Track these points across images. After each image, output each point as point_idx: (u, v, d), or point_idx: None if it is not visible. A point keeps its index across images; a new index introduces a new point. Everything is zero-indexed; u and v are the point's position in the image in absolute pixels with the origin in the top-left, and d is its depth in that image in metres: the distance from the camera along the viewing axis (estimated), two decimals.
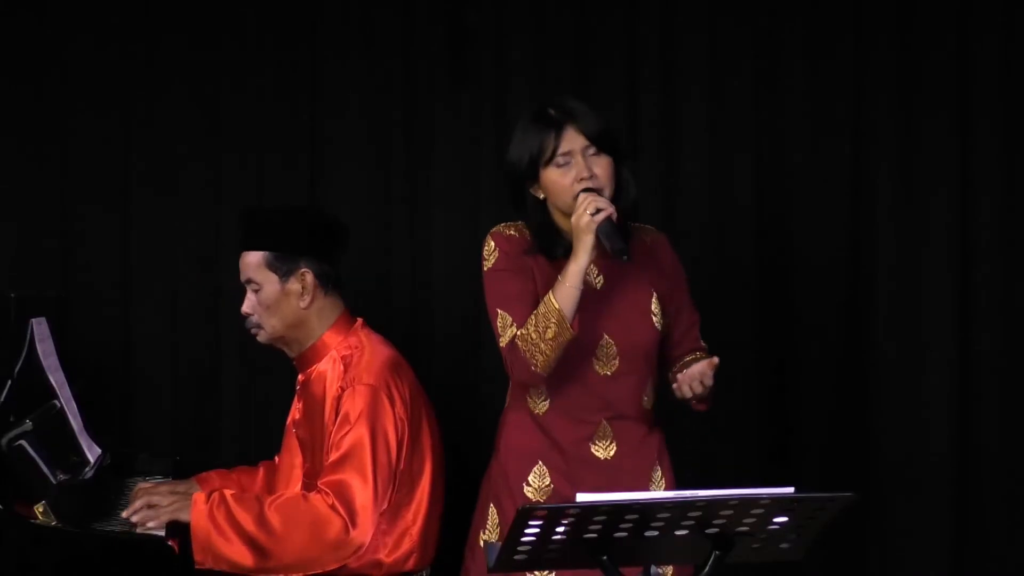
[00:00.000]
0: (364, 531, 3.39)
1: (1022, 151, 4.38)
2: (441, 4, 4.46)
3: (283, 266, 3.54)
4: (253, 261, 3.56)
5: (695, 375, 3.21)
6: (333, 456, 3.43)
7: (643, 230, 3.49)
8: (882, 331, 4.40)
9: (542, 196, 3.32)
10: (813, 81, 4.42)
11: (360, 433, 3.42)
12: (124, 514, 3.49)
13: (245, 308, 3.60)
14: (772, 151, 4.44)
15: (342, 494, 3.38)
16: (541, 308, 3.20)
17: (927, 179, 4.39)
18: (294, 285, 3.54)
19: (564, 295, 3.18)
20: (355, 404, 3.44)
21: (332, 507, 3.38)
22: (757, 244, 4.44)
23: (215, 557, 3.38)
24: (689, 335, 3.45)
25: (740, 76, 4.43)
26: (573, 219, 3.21)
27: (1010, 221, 4.38)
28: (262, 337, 3.62)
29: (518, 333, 3.24)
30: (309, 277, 3.54)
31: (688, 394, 3.23)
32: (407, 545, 3.52)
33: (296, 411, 3.68)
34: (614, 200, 3.30)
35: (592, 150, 3.28)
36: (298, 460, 3.64)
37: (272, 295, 3.55)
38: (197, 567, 3.39)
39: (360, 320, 3.65)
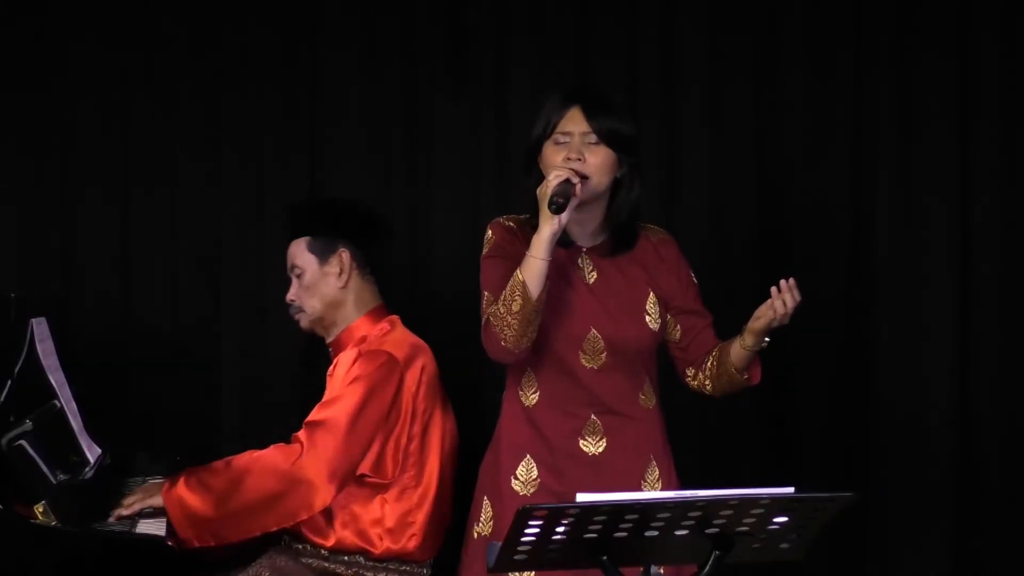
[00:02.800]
0: (317, 468, 3.50)
1: (1022, 150, 4.38)
2: (441, 4, 4.47)
3: (321, 248, 3.74)
4: (296, 248, 3.79)
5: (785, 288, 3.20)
6: (323, 399, 3.62)
7: (650, 230, 3.47)
8: (882, 331, 4.41)
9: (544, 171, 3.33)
10: (813, 81, 4.43)
11: (357, 387, 3.57)
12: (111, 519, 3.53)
13: (289, 296, 3.80)
14: (772, 151, 4.44)
15: (310, 429, 3.55)
16: (510, 282, 3.20)
17: (927, 178, 4.40)
18: (332, 266, 3.74)
19: (528, 266, 3.18)
20: (366, 365, 3.60)
21: (295, 438, 3.55)
22: (757, 244, 4.44)
23: (195, 525, 3.47)
24: (704, 335, 3.42)
25: (740, 76, 4.44)
26: (538, 190, 3.21)
27: (1010, 221, 4.38)
28: (304, 321, 3.79)
29: (491, 310, 3.25)
30: (346, 256, 3.73)
31: (781, 310, 3.19)
32: (410, 529, 3.60)
33: (324, 396, 3.75)
34: (612, 199, 3.31)
35: (592, 138, 3.28)
36: None
37: (312, 276, 3.75)
38: (185, 546, 3.45)
39: (396, 316, 3.79)
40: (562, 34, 4.45)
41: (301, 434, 3.55)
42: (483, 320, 3.30)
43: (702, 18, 4.43)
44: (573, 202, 3.18)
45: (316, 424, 3.55)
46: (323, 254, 3.74)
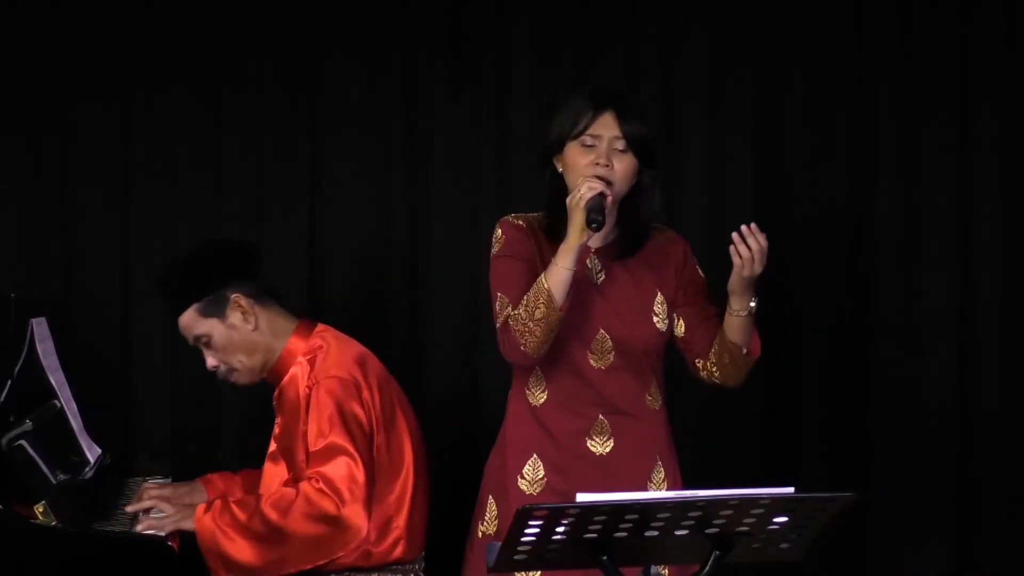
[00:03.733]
0: (357, 510, 3.41)
1: (1022, 150, 4.38)
2: (441, 3, 4.46)
3: (214, 307, 3.56)
4: (189, 320, 3.58)
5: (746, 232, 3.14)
6: (316, 447, 3.45)
7: (657, 230, 3.45)
8: (882, 332, 4.41)
9: (560, 171, 3.31)
10: (813, 81, 4.43)
11: (336, 425, 3.43)
12: (128, 508, 3.50)
13: (210, 365, 3.61)
14: (772, 151, 4.44)
15: (329, 479, 3.41)
16: (533, 288, 3.18)
17: (927, 178, 4.40)
18: (234, 316, 3.56)
19: (554, 275, 3.16)
20: (325, 398, 3.46)
21: (321, 491, 3.40)
22: None
23: (226, 563, 3.40)
24: (707, 325, 3.37)
25: (740, 76, 4.43)
26: (568, 199, 3.19)
27: (1010, 220, 4.38)
28: (242, 380, 3.64)
29: (511, 313, 3.23)
30: (242, 300, 3.56)
31: (746, 254, 3.13)
32: (394, 534, 3.53)
33: (276, 426, 3.66)
34: (628, 207, 3.29)
35: (621, 144, 3.25)
36: (280, 470, 3.61)
37: (223, 337, 3.57)
38: None
39: (322, 324, 3.65)
40: (562, 34, 4.45)
41: (326, 489, 3.39)
42: (499, 322, 3.28)
43: (702, 18, 4.43)
44: (606, 217, 3.18)
45: (333, 482, 3.41)
46: (219, 311, 3.55)
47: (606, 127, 3.26)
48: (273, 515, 3.40)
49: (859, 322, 4.42)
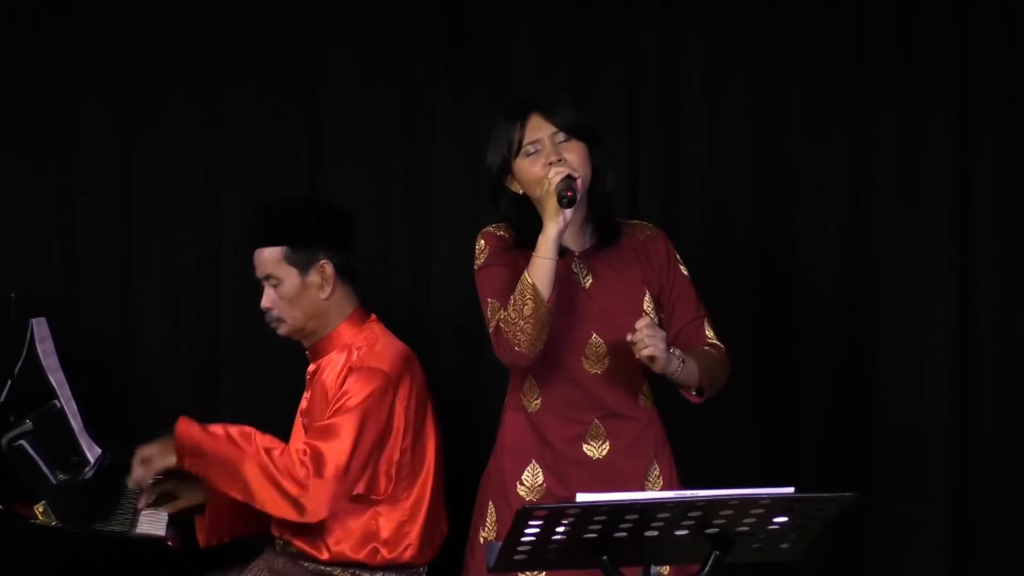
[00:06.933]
0: (319, 498, 3.43)
1: (1022, 148, 4.38)
2: (441, 3, 4.47)
3: (302, 259, 3.59)
4: (271, 257, 3.60)
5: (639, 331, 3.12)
6: (323, 422, 3.50)
7: (638, 227, 3.45)
8: (882, 332, 4.40)
9: (520, 191, 3.31)
10: (813, 80, 4.42)
11: (354, 411, 3.47)
12: (131, 483, 3.53)
13: (265, 303, 3.64)
14: (772, 151, 4.44)
15: (315, 457, 3.44)
16: (518, 286, 3.17)
17: (927, 177, 4.39)
18: (314, 277, 3.60)
19: (536, 268, 3.15)
20: (360, 385, 3.50)
21: (302, 462, 3.43)
22: (757, 244, 4.44)
23: (202, 460, 3.44)
24: (691, 329, 3.37)
25: (740, 76, 4.43)
26: (538, 191, 3.19)
27: (1010, 222, 4.38)
28: (283, 330, 3.67)
29: (501, 315, 3.23)
30: (329, 268, 3.60)
31: (642, 349, 3.10)
32: (407, 539, 3.56)
33: (304, 400, 3.71)
34: (592, 188, 3.28)
35: (561, 136, 3.26)
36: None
37: (293, 289, 3.60)
38: (187, 469, 3.44)
39: (374, 316, 3.70)
40: (562, 34, 4.45)
41: (308, 460, 3.44)
42: (491, 328, 3.27)
43: (701, 17, 4.43)
44: (578, 196, 3.17)
45: (320, 456, 3.44)
46: (304, 266, 3.59)
47: (538, 129, 3.26)
48: (248, 463, 3.42)
49: (859, 322, 4.42)
